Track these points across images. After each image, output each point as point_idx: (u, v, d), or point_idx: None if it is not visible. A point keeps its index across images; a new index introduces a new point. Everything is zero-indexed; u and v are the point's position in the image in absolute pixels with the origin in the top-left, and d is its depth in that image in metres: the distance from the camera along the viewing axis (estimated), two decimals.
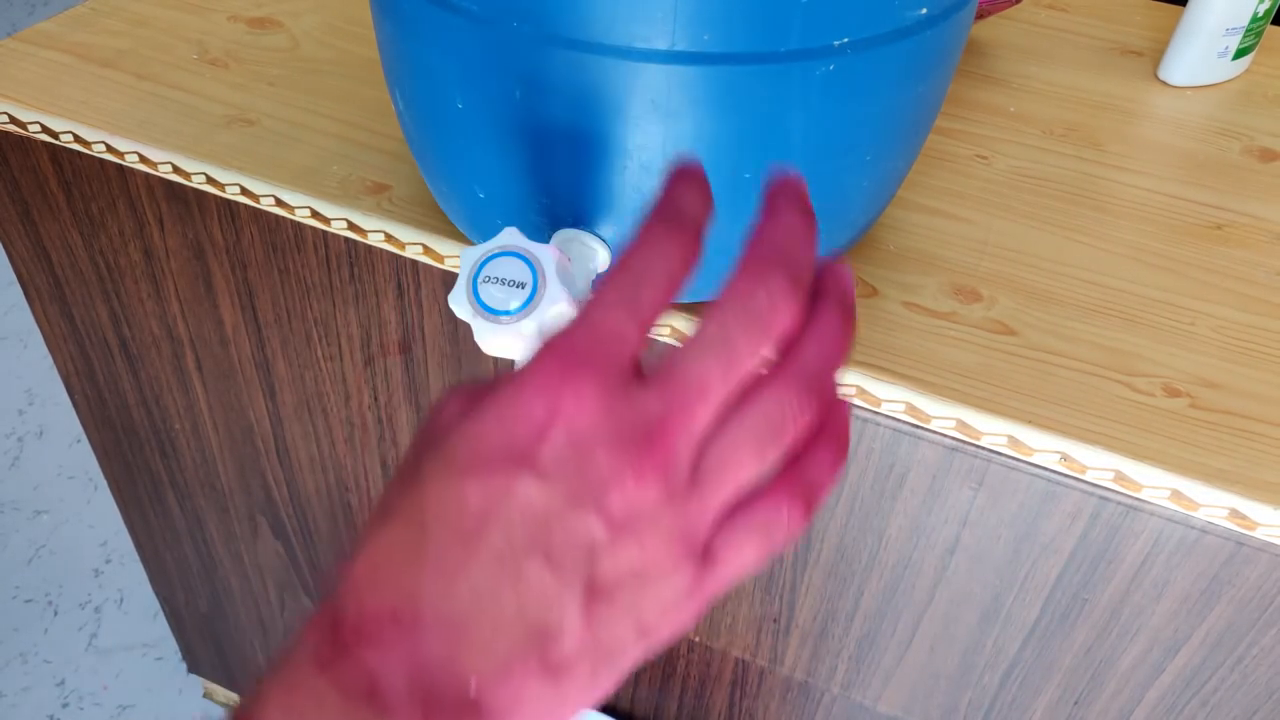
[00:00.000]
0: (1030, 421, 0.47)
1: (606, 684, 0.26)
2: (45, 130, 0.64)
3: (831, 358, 0.26)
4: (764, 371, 0.26)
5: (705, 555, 0.26)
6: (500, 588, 0.24)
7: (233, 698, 1.23)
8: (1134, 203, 0.61)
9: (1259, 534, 0.45)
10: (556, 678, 0.25)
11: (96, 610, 1.35)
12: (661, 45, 0.38)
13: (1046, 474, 0.49)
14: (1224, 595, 0.49)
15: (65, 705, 1.25)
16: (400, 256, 0.58)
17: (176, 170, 0.61)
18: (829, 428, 0.27)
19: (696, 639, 0.70)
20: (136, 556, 1.29)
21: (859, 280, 0.54)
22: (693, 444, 0.25)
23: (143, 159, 0.62)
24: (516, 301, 0.37)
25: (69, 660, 1.29)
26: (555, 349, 0.25)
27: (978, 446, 0.49)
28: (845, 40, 0.39)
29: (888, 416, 0.50)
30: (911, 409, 0.49)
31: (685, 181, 0.27)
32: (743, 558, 0.26)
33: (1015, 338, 0.51)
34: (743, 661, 0.70)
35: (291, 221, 0.60)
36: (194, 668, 1.16)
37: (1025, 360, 0.50)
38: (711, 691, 0.74)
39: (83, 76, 0.66)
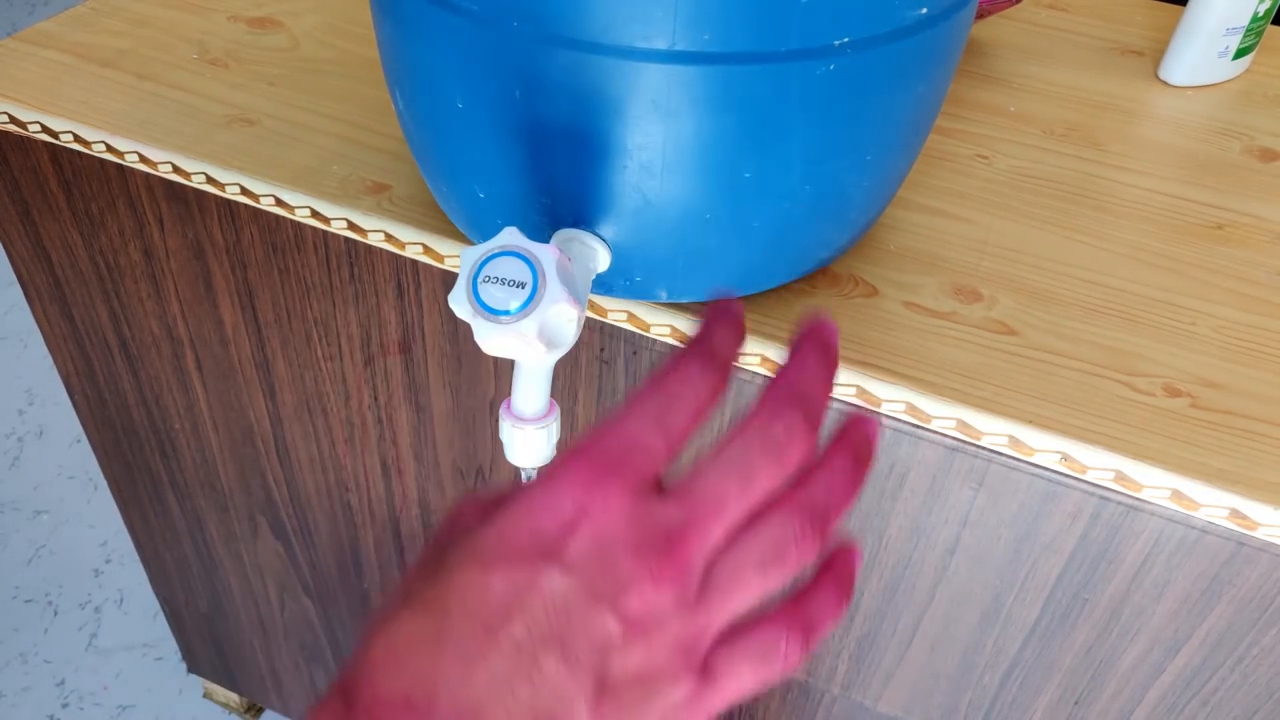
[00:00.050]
0: (1031, 421, 0.47)
1: None
2: (45, 130, 0.64)
3: (837, 497, 0.28)
4: (775, 498, 0.28)
5: (705, 670, 0.27)
6: (516, 678, 0.25)
7: (232, 698, 1.23)
8: (1134, 202, 0.61)
9: (1259, 534, 0.45)
10: None
11: (96, 610, 1.35)
12: (661, 45, 0.38)
13: (1047, 474, 0.49)
14: (1224, 595, 0.49)
15: (65, 705, 1.25)
16: (400, 256, 0.58)
17: (176, 170, 0.61)
18: (836, 569, 0.29)
19: None
20: (136, 556, 1.30)
21: (859, 280, 0.54)
22: (706, 557, 0.27)
23: (143, 159, 0.62)
24: (516, 301, 0.37)
25: (69, 660, 1.29)
26: (587, 452, 0.27)
27: (978, 446, 0.49)
28: (845, 40, 0.39)
29: (888, 416, 0.50)
30: (912, 409, 0.49)
31: (723, 321, 0.29)
32: (740, 679, 0.28)
33: (1016, 338, 0.51)
34: None
35: (291, 221, 0.60)
36: (194, 668, 1.16)
37: (1026, 360, 0.50)
38: None
39: (83, 76, 0.66)
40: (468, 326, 0.44)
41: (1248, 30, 0.70)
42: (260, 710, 1.25)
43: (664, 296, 0.49)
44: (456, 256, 0.56)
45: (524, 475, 0.47)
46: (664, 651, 0.26)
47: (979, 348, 0.50)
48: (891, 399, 0.49)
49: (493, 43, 0.41)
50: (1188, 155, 0.65)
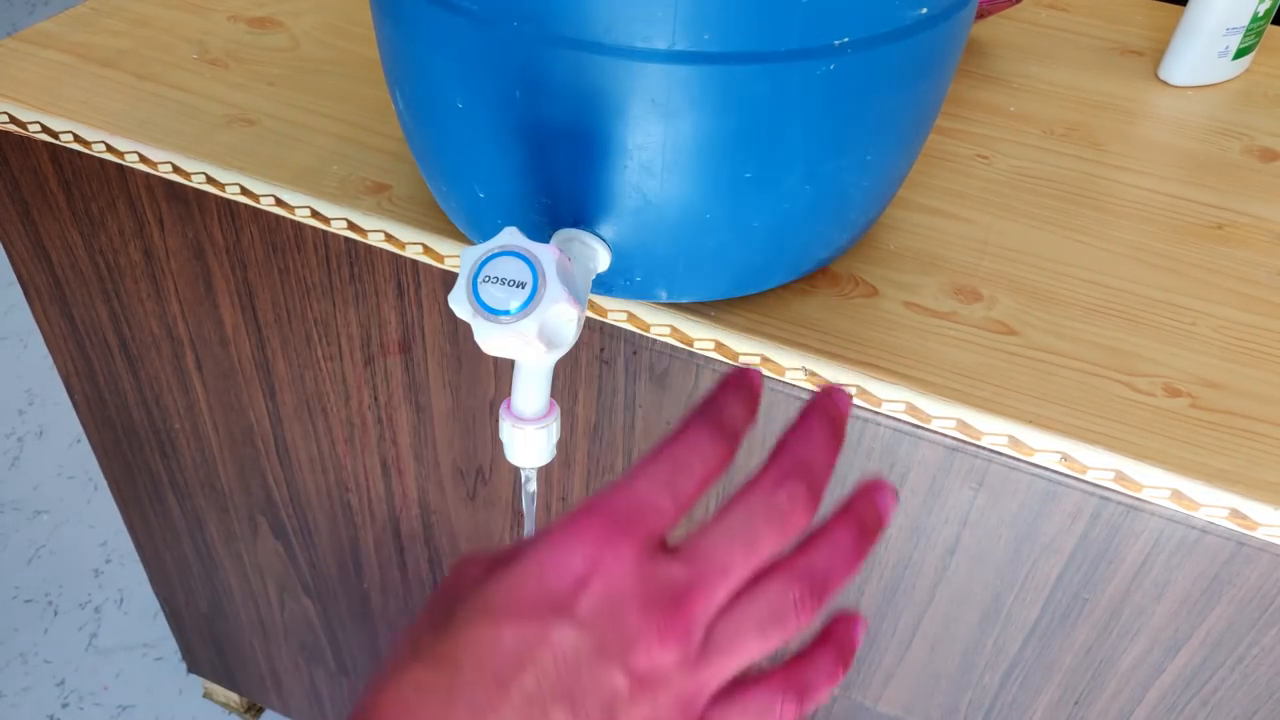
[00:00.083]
0: (1031, 421, 0.47)
1: None
2: (45, 130, 0.64)
3: (838, 568, 0.29)
4: (778, 560, 0.29)
5: None
6: None
7: (232, 698, 1.23)
8: (1134, 202, 0.61)
9: (1259, 534, 0.45)
10: None
11: (96, 610, 1.35)
12: (661, 45, 0.38)
13: (1047, 474, 0.49)
14: (1224, 595, 0.49)
15: (65, 705, 1.25)
16: (400, 256, 0.58)
17: (176, 170, 0.61)
18: (836, 637, 0.30)
19: None
20: (136, 556, 1.29)
21: (859, 280, 0.54)
22: (710, 617, 0.28)
23: (143, 159, 0.62)
24: (516, 301, 0.37)
25: (69, 660, 1.29)
26: (598, 509, 0.27)
27: (978, 446, 0.49)
28: (845, 40, 0.39)
29: (888, 416, 0.50)
30: (912, 409, 0.49)
31: (738, 392, 0.30)
32: None
33: (1016, 338, 0.51)
34: None
35: (291, 221, 0.60)
36: (194, 668, 1.16)
37: (1026, 360, 0.50)
38: None
39: (83, 76, 0.66)
40: (468, 326, 0.44)
41: (1248, 30, 0.70)
42: (260, 710, 1.25)
43: (664, 296, 0.49)
44: (456, 256, 0.56)
45: (524, 475, 0.47)
46: (666, 708, 0.27)
47: (979, 348, 0.50)
48: (891, 399, 0.49)
49: (493, 43, 0.41)
50: (1188, 155, 0.65)
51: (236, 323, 0.69)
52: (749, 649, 0.28)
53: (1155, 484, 0.46)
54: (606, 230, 0.45)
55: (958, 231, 0.57)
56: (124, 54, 0.69)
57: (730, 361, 0.51)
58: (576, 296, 0.39)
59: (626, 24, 0.38)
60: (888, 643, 0.62)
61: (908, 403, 0.49)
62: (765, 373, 0.51)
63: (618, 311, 0.53)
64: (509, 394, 0.44)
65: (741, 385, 0.30)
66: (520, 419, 0.44)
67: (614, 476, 0.63)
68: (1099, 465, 0.46)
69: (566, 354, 0.50)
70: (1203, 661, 0.52)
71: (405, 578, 0.83)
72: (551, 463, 0.63)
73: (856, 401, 0.50)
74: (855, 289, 0.53)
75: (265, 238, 0.62)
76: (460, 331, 0.60)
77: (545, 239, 0.45)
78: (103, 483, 1.49)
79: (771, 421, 0.53)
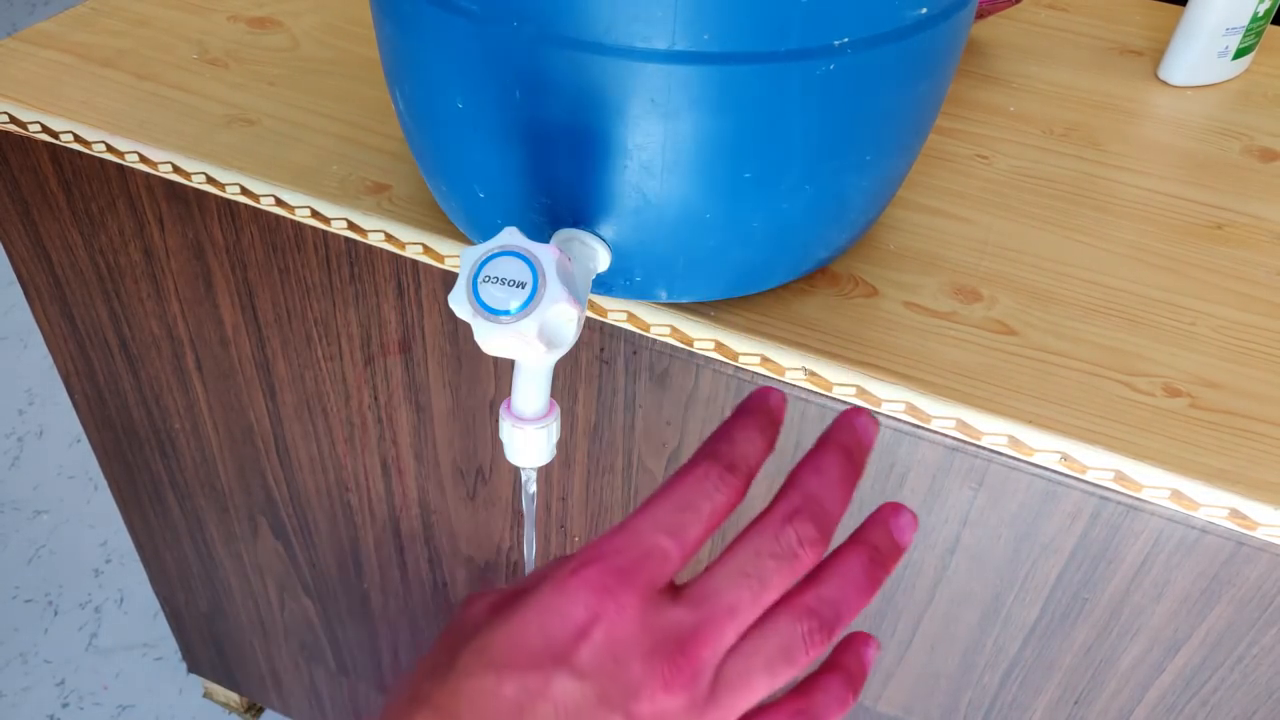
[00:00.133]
0: (1030, 421, 0.47)
1: None
2: (45, 130, 0.64)
3: (850, 601, 0.28)
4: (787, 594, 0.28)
5: None
6: None
7: (232, 698, 1.23)
8: (1134, 202, 0.61)
9: (1259, 534, 0.45)
10: None
11: (96, 610, 1.35)
12: (661, 45, 0.38)
13: (1047, 474, 0.49)
14: (1224, 595, 0.49)
15: (65, 705, 1.25)
16: (400, 256, 0.58)
17: (176, 170, 0.61)
18: (845, 664, 0.30)
19: None
20: (136, 556, 1.29)
21: (859, 280, 0.54)
22: (718, 659, 0.27)
23: (143, 159, 0.62)
24: (516, 301, 0.37)
25: (69, 660, 1.29)
26: (601, 557, 0.27)
27: (978, 446, 0.49)
28: (845, 40, 0.39)
29: (888, 416, 0.50)
30: (911, 409, 0.49)
31: (755, 420, 0.29)
32: None
33: (1015, 338, 0.51)
34: None
35: (291, 221, 0.60)
36: (194, 668, 1.16)
37: (1025, 360, 0.50)
38: None
39: (83, 76, 0.66)
40: (468, 326, 0.44)
41: (1247, 30, 0.70)
42: (260, 710, 1.25)
43: (664, 296, 0.49)
44: (456, 256, 0.56)
45: (524, 475, 0.47)
46: None
47: (979, 348, 0.50)
48: (891, 399, 0.49)
49: (493, 43, 0.41)
50: (1187, 155, 0.65)
51: (236, 323, 0.69)
52: (758, 688, 0.28)
53: (1155, 484, 0.46)
54: (606, 230, 0.45)
55: (958, 231, 0.58)
56: (124, 54, 0.69)
57: (730, 361, 0.51)
58: (576, 296, 0.39)
59: (626, 24, 0.38)
60: (887, 643, 0.62)
61: (907, 403, 0.49)
62: (764, 373, 0.51)
63: (618, 311, 0.53)
64: (509, 394, 0.44)
65: (760, 411, 0.29)
66: (520, 419, 0.44)
67: (614, 476, 0.63)
68: (1099, 465, 0.46)
69: (566, 354, 0.50)
70: (1202, 661, 0.52)
71: (405, 578, 0.83)
72: (551, 463, 0.63)
73: (856, 401, 0.50)
74: (855, 289, 0.53)
75: (265, 238, 0.62)
76: (460, 331, 0.60)
77: (545, 239, 0.45)
78: (103, 483, 1.49)
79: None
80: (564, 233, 0.46)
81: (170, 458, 0.86)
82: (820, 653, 0.28)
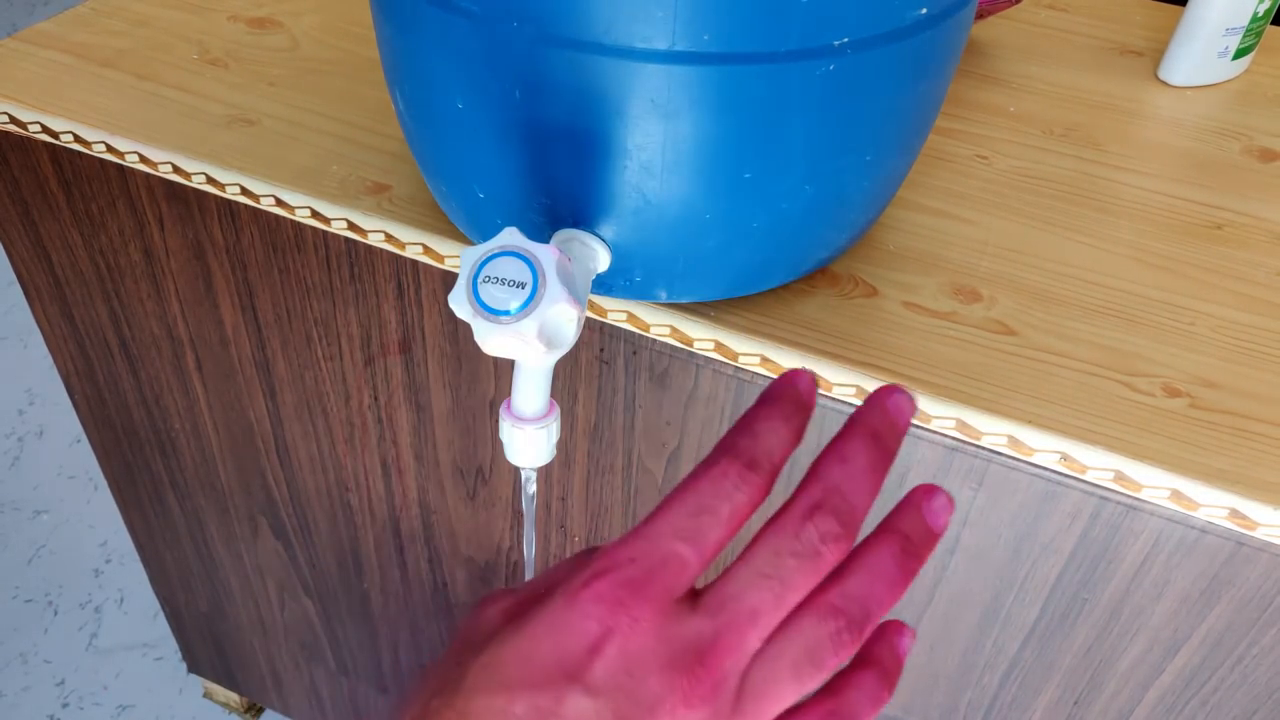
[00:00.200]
0: (1030, 421, 0.47)
1: None
2: (45, 130, 0.64)
3: (880, 594, 0.27)
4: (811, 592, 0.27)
5: None
6: None
7: (232, 698, 1.23)
8: (1134, 202, 0.61)
9: (1259, 534, 0.45)
10: None
11: (96, 610, 1.35)
12: (661, 45, 0.38)
13: (1046, 474, 0.49)
14: (1224, 595, 0.49)
15: (65, 705, 1.25)
16: (400, 256, 0.58)
17: (176, 170, 0.61)
18: (879, 657, 0.28)
19: None
20: (136, 556, 1.30)
21: (859, 280, 0.54)
22: (742, 666, 0.26)
23: (143, 159, 0.62)
24: (516, 301, 0.37)
25: (69, 660, 1.29)
26: (615, 566, 0.26)
27: (978, 446, 0.49)
28: (845, 40, 0.39)
29: None
30: None
31: (780, 409, 0.27)
32: None
33: (1015, 338, 0.51)
34: None
35: (291, 221, 0.60)
36: (194, 668, 1.16)
37: (1025, 360, 0.50)
38: None
39: (83, 76, 0.66)
40: (468, 326, 0.44)
41: (1247, 30, 0.70)
42: (260, 710, 1.25)
43: (664, 296, 0.49)
44: (456, 256, 0.56)
45: (524, 475, 0.47)
46: None
47: (979, 348, 0.50)
48: None
49: (493, 43, 0.41)
50: (1187, 155, 0.65)
51: (236, 323, 0.69)
52: (785, 695, 0.26)
53: (1155, 484, 0.46)
54: (606, 230, 0.45)
55: (957, 231, 0.58)
56: (124, 54, 0.69)
57: (730, 361, 0.51)
58: (576, 296, 0.39)
59: (626, 24, 0.38)
60: None
61: None
62: (764, 373, 0.51)
63: (618, 311, 0.53)
64: (509, 394, 0.44)
65: (786, 397, 0.27)
66: (520, 419, 0.44)
67: (614, 476, 0.63)
68: (1098, 465, 0.46)
69: (566, 354, 0.50)
70: (1202, 661, 0.52)
71: (405, 578, 0.83)
72: (551, 462, 0.63)
73: (856, 402, 0.50)
74: (855, 289, 0.54)
75: (265, 238, 0.62)
76: (460, 331, 0.60)
77: (545, 239, 0.45)
78: (103, 483, 1.49)
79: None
80: (564, 233, 0.46)
81: (170, 458, 0.86)
82: (850, 654, 0.26)
